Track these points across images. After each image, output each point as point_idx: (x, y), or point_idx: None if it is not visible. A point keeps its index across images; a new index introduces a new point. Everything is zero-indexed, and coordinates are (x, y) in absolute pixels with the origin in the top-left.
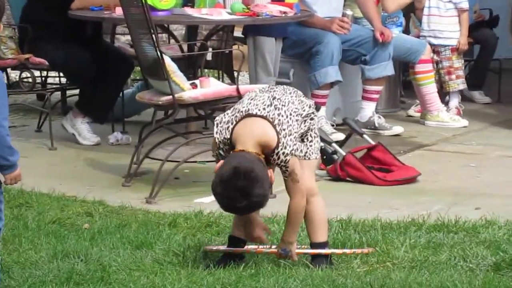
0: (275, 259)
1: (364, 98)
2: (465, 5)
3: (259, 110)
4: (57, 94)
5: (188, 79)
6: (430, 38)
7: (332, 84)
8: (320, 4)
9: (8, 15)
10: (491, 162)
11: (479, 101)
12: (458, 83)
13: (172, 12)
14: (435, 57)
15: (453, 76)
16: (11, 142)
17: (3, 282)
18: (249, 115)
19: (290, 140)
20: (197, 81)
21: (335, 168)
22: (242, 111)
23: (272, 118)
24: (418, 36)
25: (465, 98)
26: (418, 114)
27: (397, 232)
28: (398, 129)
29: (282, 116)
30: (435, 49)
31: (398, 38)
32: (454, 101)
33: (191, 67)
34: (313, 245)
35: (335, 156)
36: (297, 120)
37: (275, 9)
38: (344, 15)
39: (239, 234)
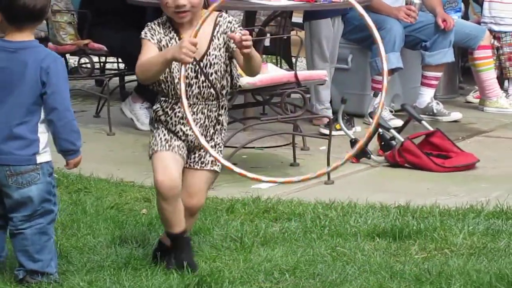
0: (332, 246)
1: (423, 84)
2: None
3: None
4: (116, 80)
5: None
6: (492, 25)
7: (393, 71)
8: None
9: (67, 1)
10: None
11: None
12: None
13: None
14: (496, 43)
15: None
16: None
17: (62, 267)
18: None
19: None
20: None
21: (393, 154)
22: None
23: None
24: (478, 22)
25: None
26: (477, 100)
27: (456, 219)
28: (456, 115)
29: None
30: (496, 35)
31: (457, 24)
32: None
33: None
34: None
35: (393, 142)
36: None
37: None
38: (411, 3)
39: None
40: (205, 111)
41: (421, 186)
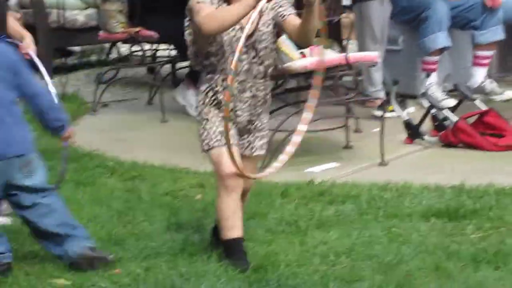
0: (388, 227)
1: (475, 63)
2: None
3: None
4: (167, 67)
5: (297, 48)
6: None
7: (441, 50)
8: None
9: None
10: None
11: None
12: None
13: None
14: None
15: None
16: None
17: (117, 253)
18: None
19: None
20: (306, 50)
21: (447, 134)
22: None
23: None
24: None
25: None
26: None
27: (511, 198)
28: (510, 93)
29: None
30: None
31: (506, 2)
32: None
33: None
34: None
35: (447, 122)
36: None
37: None
38: None
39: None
40: (253, 89)
41: (475, 165)
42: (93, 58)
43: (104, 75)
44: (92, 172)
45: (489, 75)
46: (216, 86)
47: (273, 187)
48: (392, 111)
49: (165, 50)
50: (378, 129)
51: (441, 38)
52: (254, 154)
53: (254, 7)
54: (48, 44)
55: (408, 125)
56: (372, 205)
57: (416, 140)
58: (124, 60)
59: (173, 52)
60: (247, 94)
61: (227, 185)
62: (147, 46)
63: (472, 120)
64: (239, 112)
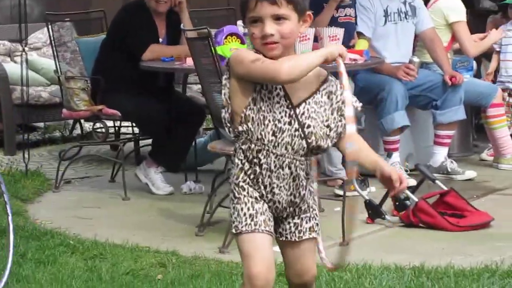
0: None
1: (436, 143)
2: None
3: None
4: (130, 144)
5: None
6: (509, 84)
7: (401, 129)
8: (390, 50)
9: (81, 67)
10: None
11: None
12: None
13: None
14: (511, 101)
15: None
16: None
17: None
18: None
19: None
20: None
21: (407, 214)
22: None
23: None
24: (493, 82)
25: None
26: (491, 158)
27: (470, 279)
28: (471, 173)
29: None
30: (511, 93)
31: (469, 83)
32: None
33: None
34: None
35: (408, 202)
36: None
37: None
38: (410, 61)
39: None
40: (292, 166)
41: (436, 246)
42: (56, 134)
43: (67, 152)
44: (53, 250)
45: (449, 155)
46: (254, 158)
47: (234, 268)
48: (354, 190)
49: (129, 127)
50: (339, 208)
51: (398, 118)
52: (304, 237)
53: (329, 59)
54: (11, 120)
55: (369, 204)
56: (332, 286)
57: (377, 220)
58: (87, 137)
59: (137, 130)
60: (285, 171)
61: (253, 284)
62: (110, 123)
63: (432, 200)
64: (276, 191)
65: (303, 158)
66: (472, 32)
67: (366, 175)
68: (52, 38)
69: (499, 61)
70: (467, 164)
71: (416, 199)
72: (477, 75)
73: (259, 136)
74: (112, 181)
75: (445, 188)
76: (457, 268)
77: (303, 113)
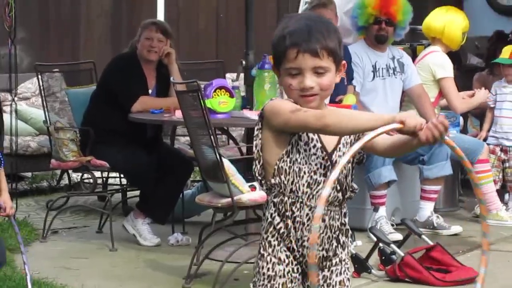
0: None
1: (422, 198)
2: None
3: None
4: (118, 195)
5: (247, 181)
6: (503, 140)
7: (388, 184)
8: (378, 105)
9: (70, 118)
10: None
11: None
12: None
13: (231, 114)
14: (503, 156)
15: None
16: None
17: None
18: None
19: None
20: (256, 183)
21: (393, 269)
22: None
23: None
24: (476, 136)
25: None
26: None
27: None
28: (457, 228)
29: None
30: (503, 148)
31: (456, 138)
32: None
33: (250, 169)
34: None
35: (394, 257)
36: None
37: None
38: None
39: None
40: (326, 218)
41: None
42: (44, 184)
43: (55, 202)
44: None
45: (436, 210)
46: (286, 211)
47: None
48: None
49: (116, 178)
50: None
51: (385, 173)
52: None
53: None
54: None
55: (355, 258)
56: None
57: (363, 274)
58: (74, 187)
59: (124, 181)
60: (320, 223)
61: None
62: (98, 174)
63: (418, 255)
64: (306, 244)
65: (337, 208)
66: (459, 88)
67: (352, 229)
68: (41, 88)
69: (493, 117)
70: (453, 219)
71: (402, 254)
72: (464, 130)
73: (294, 189)
74: (100, 231)
75: (431, 243)
76: None
77: (335, 161)
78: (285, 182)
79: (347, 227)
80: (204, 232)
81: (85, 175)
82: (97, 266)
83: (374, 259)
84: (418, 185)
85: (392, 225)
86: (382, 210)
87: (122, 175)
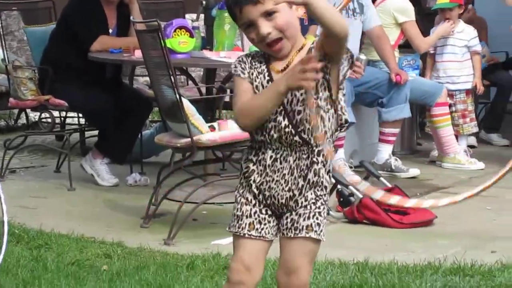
0: None
1: (380, 140)
2: (478, 47)
3: None
4: (76, 135)
5: (207, 121)
6: (448, 84)
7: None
8: None
9: (28, 57)
10: (508, 205)
11: (496, 143)
12: (472, 126)
13: (190, 55)
14: (449, 100)
15: (468, 119)
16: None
17: None
18: None
19: None
20: (215, 124)
21: (352, 210)
22: None
23: None
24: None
25: (482, 140)
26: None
27: (413, 276)
28: (414, 171)
29: None
30: (449, 93)
31: (415, 81)
32: (463, 144)
33: (210, 109)
34: None
35: (352, 199)
36: None
37: None
38: (357, 59)
39: None
40: (291, 159)
41: (379, 242)
42: (1, 123)
43: (13, 141)
44: None
45: (394, 152)
46: (250, 156)
47: (179, 259)
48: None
49: (75, 118)
50: None
51: None
52: (300, 235)
53: (285, 94)
54: None
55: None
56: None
57: None
58: (32, 126)
59: (83, 120)
60: (283, 164)
61: (230, 279)
62: (56, 114)
63: None
64: (272, 185)
65: (304, 148)
66: (420, 30)
67: None
68: None
69: (435, 62)
70: (411, 162)
71: (360, 196)
72: (423, 74)
73: (260, 138)
74: (58, 171)
75: (389, 185)
76: (400, 264)
77: (291, 102)
78: (253, 132)
79: (320, 166)
80: (162, 173)
81: (43, 114)
82: (56, 206)
83: (333, 201)
84: (376, 128)
85: (350, 167)
86: (341, 152)
87: (80, 115)
